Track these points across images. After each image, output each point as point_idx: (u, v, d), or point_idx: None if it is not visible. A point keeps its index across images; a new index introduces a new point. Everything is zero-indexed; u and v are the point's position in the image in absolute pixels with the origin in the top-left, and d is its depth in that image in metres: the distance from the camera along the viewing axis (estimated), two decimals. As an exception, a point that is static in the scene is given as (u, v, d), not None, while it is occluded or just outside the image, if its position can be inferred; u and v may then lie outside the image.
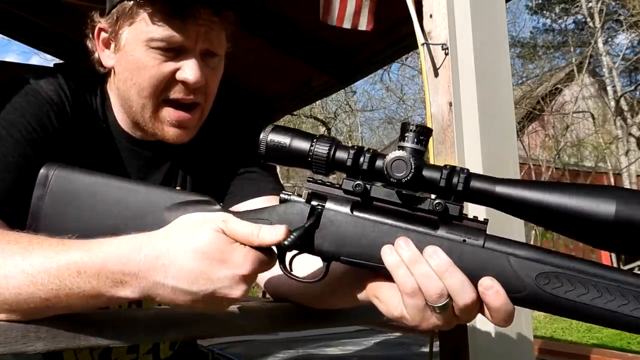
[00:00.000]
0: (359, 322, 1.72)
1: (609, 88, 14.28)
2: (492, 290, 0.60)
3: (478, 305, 0.62)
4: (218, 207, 0.74)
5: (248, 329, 0.87)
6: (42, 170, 0.78)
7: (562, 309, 0.60)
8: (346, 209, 0.66)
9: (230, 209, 0.79)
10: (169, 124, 0.93)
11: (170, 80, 0.91)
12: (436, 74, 1.17)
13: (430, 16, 1.19)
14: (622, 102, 14.12)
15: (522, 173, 12.06)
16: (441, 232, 0.64)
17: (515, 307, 0.62)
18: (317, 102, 12.42)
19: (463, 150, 1.13)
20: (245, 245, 0.64)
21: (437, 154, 1.16)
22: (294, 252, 0.70)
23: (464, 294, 0.61)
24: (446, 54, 1.14)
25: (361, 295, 0.71)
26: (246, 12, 0.95)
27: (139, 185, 0.79)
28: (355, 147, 0.65)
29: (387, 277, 0.65)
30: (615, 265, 8.76)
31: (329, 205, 0.67)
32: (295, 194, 0.69)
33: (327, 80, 2.81)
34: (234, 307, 0.80)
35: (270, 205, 0.72)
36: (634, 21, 14.03)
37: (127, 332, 0.72)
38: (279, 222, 0.67)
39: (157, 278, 0.62)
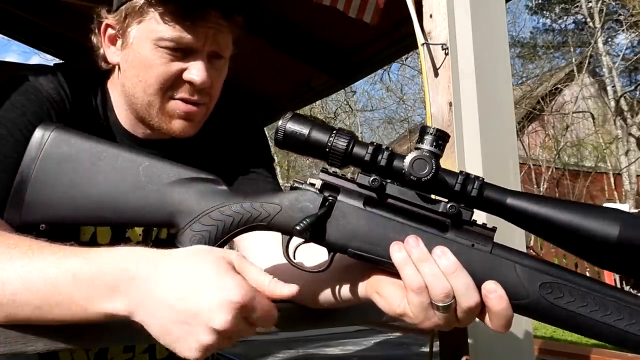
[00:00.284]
0: (359, 322, 1.72)
1: (609, 88, 14.29)
2: (494, 294, 0.61)
3: (480, 308, 0.63)
4: (224, 187, 0.72)
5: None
6: (37, 131, 0.73)
7: (560, 320, 0.62)
8: (359, 203, 0.67)
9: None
10: (177, 116, 0.94)
11: (176, 79, 0.91)
12: (436, 74, 1.17)
13: (430, 16, 1.19)
14: (622, 102, 14.13)
15: (522, 173, 12.06)
16: (451, 235, 0.65)
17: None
18: (317, 102, 12.43)
19: (463, 150, 1.13)
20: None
21: (437, 154, 1.16)
22: (299, 241, 0.69)
23: (468, 296, 0.61)
24: (446, 54, 1.14)
25: (362, 292, 0.71)
26: (255, 18, 0.95)
27: (141, 156, 0.74)
28: (374, 143, 0.66)
29: (392, 273, 0.65)
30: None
31: (341, 197, 0.67)
32: (308, 182, 0.69)
33: (327, 80, 2.81)
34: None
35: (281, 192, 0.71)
36: (634, 21, 14.04)
37: (126, 331, 0.71)
38: (290, 209, 0.67)
39: (150, 285, 0.59)
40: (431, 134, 0.64)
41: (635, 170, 14.21)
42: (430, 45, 1.17)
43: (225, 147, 1.09)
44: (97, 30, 0.96)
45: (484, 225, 0.66)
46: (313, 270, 0.70)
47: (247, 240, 0.93)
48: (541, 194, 12.92)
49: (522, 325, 1.12)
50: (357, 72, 2.78)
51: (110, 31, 0.94)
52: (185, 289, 0.58)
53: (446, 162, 1.15)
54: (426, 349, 1.66)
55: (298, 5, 2.14)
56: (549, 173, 13.49)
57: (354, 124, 16.96)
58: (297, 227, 0.62)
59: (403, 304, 0.64)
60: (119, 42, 0.94)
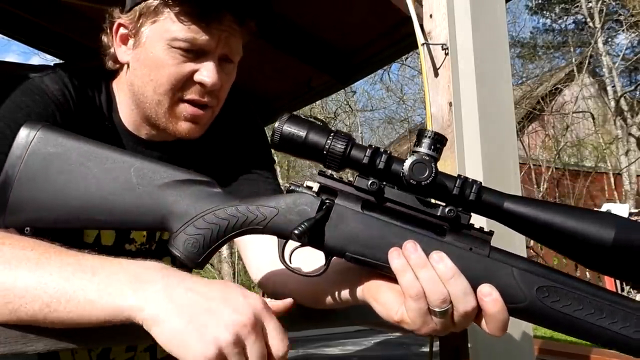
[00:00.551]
0: (359, 322, 1.72)
1: (609, 88, 14.28)
2: (490, 297, 0.62)
3: (476, 312, 0.63)
4: (219, 190, 0.71)
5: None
6: (22, 130, 0.71)
7: (557, 323, 0.63)
8: (357, 207, 0.66)
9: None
10: (184, 119, 0.94)
11: (187, 80, 0.92)
12: (436, 74, 1.17)
13: (430, 16, 1.19)
14: (622, 102, 14.13)
15: (522, 173, 12.06)
16: (449, 238, 0.65)
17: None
18: (317, 102, 12.42)
19: (463, 150, 1.13)
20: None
21: (437, 154, 1.16)
22: (295, 244, 0.69)
23: (465, 300, 0.62)
24: (446, 54, 1.15)
25: (360, 296, 0.71)
26: (266, 24, 0.96)
27: (133, 157, 0.72)
28: (372, 146, 0.65)
29: (389, 278, 0.65)
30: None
31: (339, 200, 0.67)
32: (305, 185, 0.69)
33: (327, 80, 2.80)
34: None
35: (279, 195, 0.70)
36: (634, 21, 14.04)
37: (126, 331, 0.71)
38: (287, 212, 0.66)
39: (169, 286, 0.60)
40: (429, 137, 0.64)
41: (635, 170, 14.21)
42: (430, 45, 1.17)
43: (226, 148, 1.09)
44: (108, 30, 0.97)
45: (481, 229, 0.66)
46: (310, 275, 0.70)
47: (247, 240, 0.93)
48: (541, 194, 12.94)
49: (522, 325, 1.12)
50: (357, 72, 2.78)
51: (122, 30, 0.95)
52: (199, 302, 0.59)
53: (446, 163, 1.15)
54: (426, 349, 1.66)
55: (298, 6, 2.14)
56: (549, 173, 13.48)
57: (354, 124, 16.95)
58: (296, 231, 0.62)
59: (401, 311, 0.64)
60: (131, 41, 0.94)
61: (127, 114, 0.99)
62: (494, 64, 1.18)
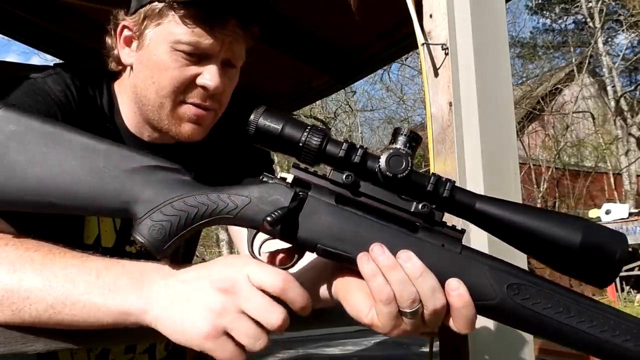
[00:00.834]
0: (358, 322, 1.71)
1: (609, 88, 14.28)
2: (456, 291, 0.61)
3: (446, 310, 0.62)
4: (189, 177, 0.69)
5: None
6: None
7: (526, 321, 0.63)
8: (331, 200, 0.66)
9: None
10: (187, 120, 0.94)
11: (190, 83, 0.92)
12: (436, 74, 1.17)
13: (430, 16, 1.19)
14: (622, 102, 14.13)
15: (522, 173, 12.06)
16: (421, 235, 0.65)
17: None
18: (317, 102, 12.43)
19: (463, 150, 1.13)
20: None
21: (437, 154, 1.16)
22: (265, 237, 0.68)
23: (434, 298, 0.61)
24: (446, 54, 1.14)
25: (334, 295, 0.70)
26: (270, 29, 0.96)
27: (100, 140, 0.69)
28: (348, 141, 0.65)
29: (360, 274, 0.64)
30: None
31: (313, 192, 0.66)
32: (279, 177, 0.68)
33: (327, 80, 2.81)
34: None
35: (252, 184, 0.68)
36: (634, 21, 14.04)
37: (127, 332, 0.71)
38: (259, 201, 0.65)
39: (169, 282, 0.63)
40: (405, 135, 0.64)
41: (635, 170, 14.21)
42: (430, 45, 1.17)
43: (227, 151, 1.09)
44: (112, 32, 0.97)
45: (454, 227, 0.66)
46: (282, 267, 0.68)
47: (241, 232, 0.93)
48: (541, 194, 12.94)
49: (522, 325, 1.12)
50: (357, 73, 2.78)
51: (126, 32, 0.95)
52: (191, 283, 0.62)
53: (446, 162, 1.15)
54: (426, 349, 1.66)
55: (298, 6, 2.14)
56: (549, 173, 13.48)
57: (354, 124, 16.96)
58: (268, 218, 0.60)
59: (371, 315, 0.64)
60: (135, 43, 0.95)
61: (129, 116, 0.99)
62: (494, 64, 1.18)
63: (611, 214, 8.73)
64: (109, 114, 0.99)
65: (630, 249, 8.77)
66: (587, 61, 14.10)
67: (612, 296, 8.39)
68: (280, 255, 0.70)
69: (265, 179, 0.67)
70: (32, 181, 0.66)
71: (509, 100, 1.20)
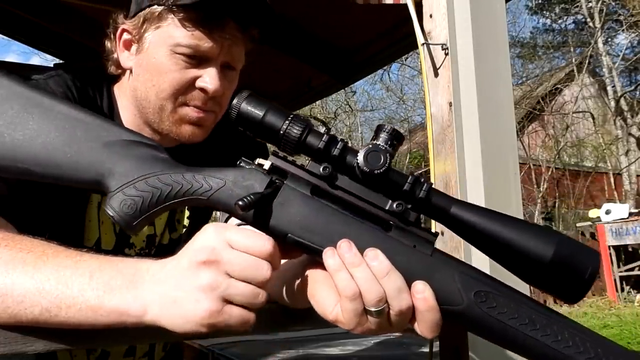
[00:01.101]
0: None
1: (609, 88, 14.29)
2: (421, 294, 0.60)
3: (411, 311, 0.61)
4: (166, 155, 0.67)
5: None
6: None
7: (491, 330, 0.62)
8: (306, 190, 0.65)
9: None
10: (187, 122, 0.94)
11: (189, 86, 0.92)
12: (436, 74, 1.17)
13: (430, 16, 1.19)
14: (622, 102, 14.13)
15: (522, 173, 12.06)
16: (394, 233, 0.64)
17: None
18: (317, 102, 12.43)
19: (463, 150, 1.13)
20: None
21: (437, 154, 1.16)
22: (238, 222, 0.66)
23: (400, 298, 0.60)
24: (446, 54, 1.14)
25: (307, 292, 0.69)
26: (269, 32, 0.97)
27: (81, 110, 0.68)
28: (329, 133, 0.65)
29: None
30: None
31: (289, 182, 0.65)
32: (257, 163, 0.66)
33: (327, 80, 2.81)
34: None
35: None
36: (634, 21, 14.04)
37: (128, 333, 0.71)
38: (234, 185, 0.64)
39: (160, 276, 0.61)
40: (387, 132, 0.64)
41: (635, 170, 14.21)
42: (430, 45, 1.17)
43: (227, 152, 1.09)
44: (112, 35, 0.97)
45: (428, 229, 0.65)
46: None
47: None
48: (541, 194, 12.94)
49: (522, 325, 1.12)
50: (357, 72, 2.78)
51: (126, 36, 0.95)
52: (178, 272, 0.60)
53: (446, 162, 1.15)
54: (426, 349, 1.66)
55: (298, 6, 2.14)
56: (549, 173, 13.48)
57: (354, 124, 16.96)
58: (240, 202, 0.58)
59: (336, 311, 0.62)
60: (134, 47, 0.95)
61: (129, 119, 1.00)
62: (494, 64, 1.18)
63: (611, 214, 8.72)
64: (108, 116, 0.99)
65: (630, 249, 8.77)
66: (587, 61, 14.11)
67: (612, 296, 8.39)
68: None
69: (242, 164, 0.66)
70: (9, 145, 0.65)
71: (508, 100, 1.21)
